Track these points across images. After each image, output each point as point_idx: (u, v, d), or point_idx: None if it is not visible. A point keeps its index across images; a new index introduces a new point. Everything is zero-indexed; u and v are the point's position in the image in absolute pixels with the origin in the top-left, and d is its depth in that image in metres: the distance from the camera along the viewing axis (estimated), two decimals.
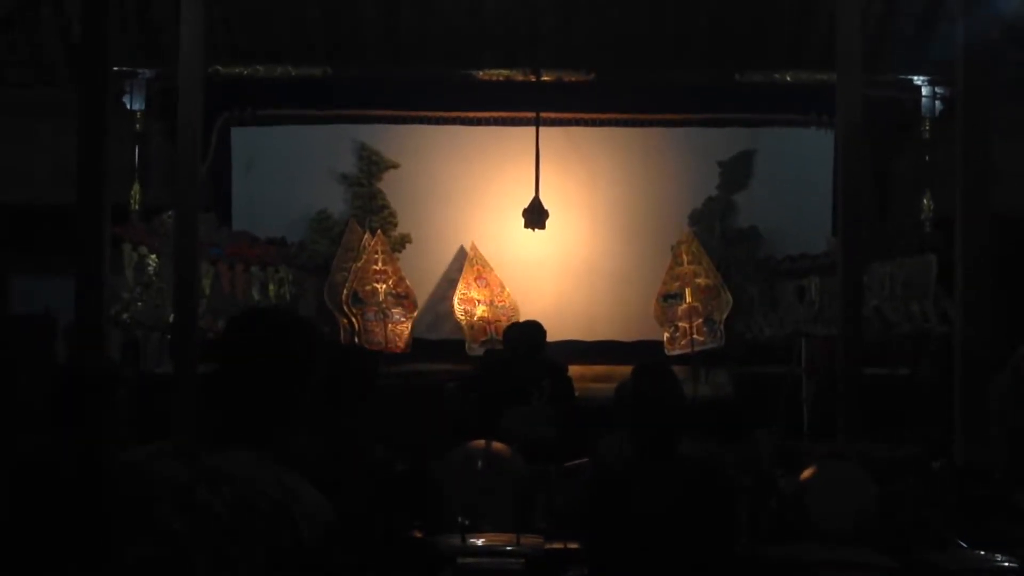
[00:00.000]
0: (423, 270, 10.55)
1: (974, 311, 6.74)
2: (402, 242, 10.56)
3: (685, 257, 10.27)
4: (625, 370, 4.11)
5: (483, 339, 10.19)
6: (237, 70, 10.21)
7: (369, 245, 10.29)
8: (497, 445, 5.73)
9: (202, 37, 8.00)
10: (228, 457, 2.30)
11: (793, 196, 10.50)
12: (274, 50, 10.35)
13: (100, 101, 6.76)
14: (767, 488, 5.16)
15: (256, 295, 9.81)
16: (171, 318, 8.57)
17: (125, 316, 9.02)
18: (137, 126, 10.06)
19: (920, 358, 9.37)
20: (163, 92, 9.90)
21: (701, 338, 10.17)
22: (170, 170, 9.07)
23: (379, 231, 10.37)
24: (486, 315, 10.27)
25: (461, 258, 10.49)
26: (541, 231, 9.71)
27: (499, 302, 10.30)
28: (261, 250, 10.03)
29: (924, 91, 10.24)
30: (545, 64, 10.20)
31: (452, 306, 10.36)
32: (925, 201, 10.12)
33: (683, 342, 10.18)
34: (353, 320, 10.17)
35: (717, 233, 10.54)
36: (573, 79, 10.37)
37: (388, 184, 10.61)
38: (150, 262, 9.28)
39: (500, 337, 8.44)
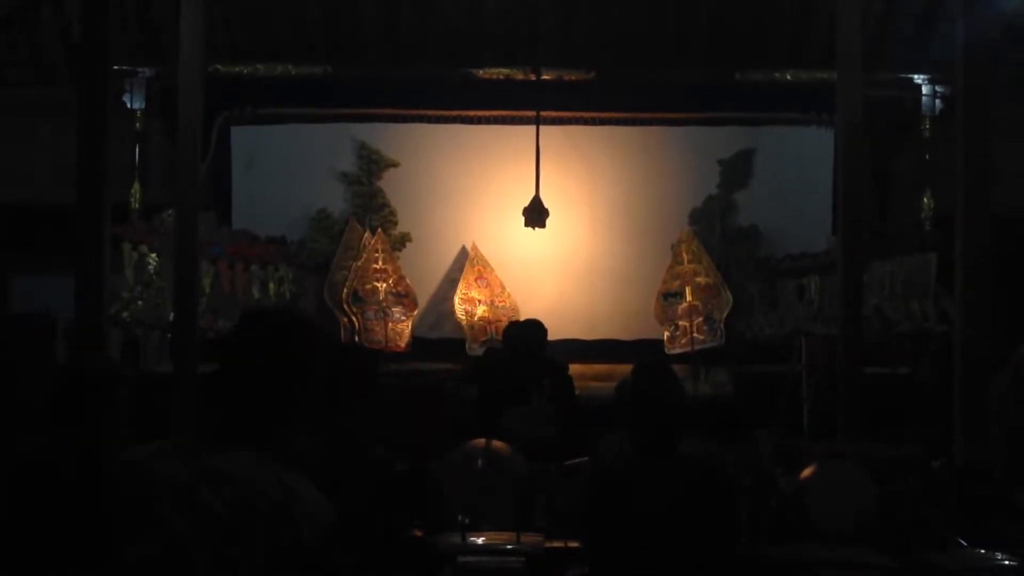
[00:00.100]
0: (423, 269, 10.54)
1: (974, 311, 6.74)
2: (402, 241, 10.55)
3: (685, 256, 10.27)
4: (625, 369, 4.11)
5: (484, 339, 10.19)
6: (237, 69, 10.20)
7: (369, 244, 10.29)
8: (497, 444, 5.74)
9: (202, 37, 8.00)
10: (228, 457, 2.30)
11: (793, 195, 10.49)
12: (274, 50, 10.35)
13: (100, 101, 6.77)
14: (767, 488, 5.17)
15: (256, 294, 9.82)
16: (171, 317, 8.57)
17: (125, 315, 9.02)
18: (137, 125, 10.05)
19: (920, 357, 9.37)
20: (163, 91, 9.89)
21: (701, 337, 10.17)
22: (170, 169, 9.07)
23: (379, 230, 10.37)
24: (486, 315, 10.27)
25: (462, 258, 10.48)
26: (541, 230, 9.71)
27: (500, 302, 10.30)
28: (261, 249, 10.03)
29: (924, 90, 10.23)
30: (545, 63, 10.19)
31: (453, 306, 10.36)
32: (925, 200, 10.12)
33: (683, 341, 10.18)
34: (353, 319, 10.17)
35: (717, 232, 10.53)
36: (573, 78, 10.36)
37: (388, 183, 10.60)
38: (150, 261, 9.28)
39: (500, 337, 8.44)
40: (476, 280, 10.33)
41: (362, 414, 4.30)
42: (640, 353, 9.39)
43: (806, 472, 5.17)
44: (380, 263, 10.24)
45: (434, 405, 8.19)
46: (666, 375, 4.07)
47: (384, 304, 10.19)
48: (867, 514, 4.99)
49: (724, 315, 10.20)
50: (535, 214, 9.59)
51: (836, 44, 7.88)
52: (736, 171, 10.63)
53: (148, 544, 2.23)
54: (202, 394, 7.46)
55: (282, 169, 10.49)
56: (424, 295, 10.48)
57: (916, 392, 8.76)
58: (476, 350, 10.07)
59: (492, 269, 10.35)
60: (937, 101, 10.16)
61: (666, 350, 10.13)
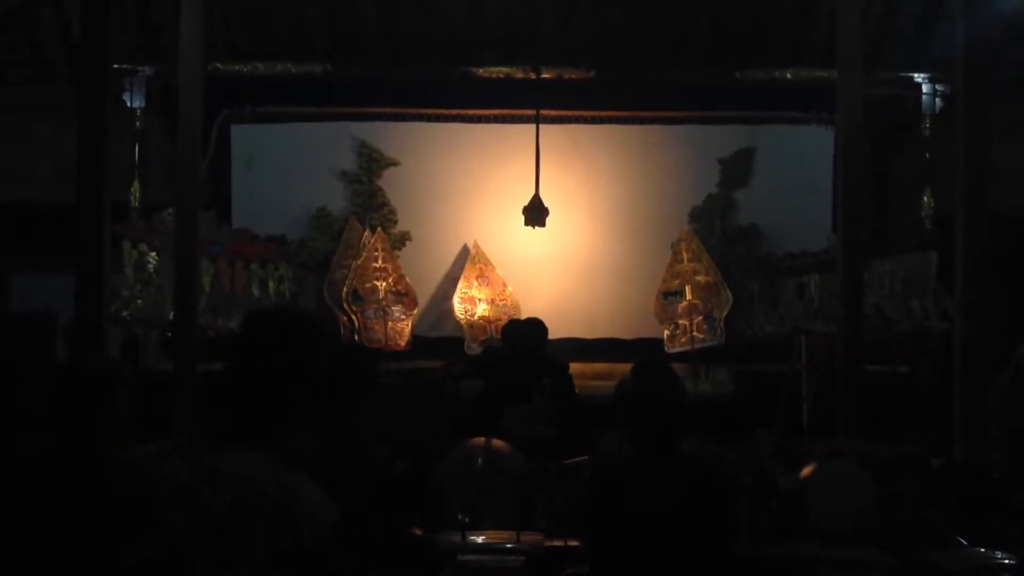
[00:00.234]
0: (423, 268, 10.54)
1: (974, 310, 6.75)
2: (402, 240, 10.55)
3: (685, 254, 10.27)
4: (625, 368, 4.11)
5: (483, 338, 10.19)
6: (237, 68, 10.20)
7: (369, 243, 10.29)
8: (497, 443, 5.73)
9: (202, 35, 8.00)
10: (230, 457, 2.30)
11: (793, 194, 10.49)
12: (274, 49, 10.35)
13: (100, 101, 6.77)
14: (767, 487, 5.17)
15: (256, 292, 9.81)
16: (171, 315, 8.57)
17: (125, 314, 9.01)
18: (137, 124, 10.05)
19: (920, 356, 9.37)
20: (163, 90, 9.89)
21: (701, 336, 10.17)
22: (170, 168, 9.07)
23: (379, 228, 10.37)
24: (487, 314, 10.26)
25: (464, 256, 10.49)
26: (541, 229, 9.70)
27: (501, 300, 10.30)
28: (261, 247, 10.03)
29: (924, 89, 10.23)
30: (545, 62, 10.19)
31: (452, 305, 10.36)
32: (925, 199, 10.12)
33: (683, 340, 10.18)
34: (353, 318, 10.17)
35: (717, 230, 10.54)
36: (573, 77, 10.36)
37: (388, 181, 10.60)
38: (150, 260, 9.28)
39: (499, 336, 8.44)
40: (477, 278, 10.33)
41: (362, 414, 4.30)
42: (640, 352, 9.41)
43: (806, 471, 5.16)
44: (380, 262, 10.24)
45: (434, 404, 8.20)
46: (666, 374, 4.07)
47: (384, 303, 10.19)
48: (867, 513, 4.99)
49: (724, 314, 10.20)
50: (535, 213, 9.59)
51: (836, 43, 7.87)
52: (736, 170, 10.64)
53: (148, 544, 2.23)
54: (204, 393, 7.47)
55: (282, 168, 10.50)
56: (424, 294, 10.48)
57: (916, 391, 8.76)
58: (475, 349, 10.08)
59: (494, 267, 10.35)
60: (937, 100, 10.16)
61: (666, 349, 10.14)
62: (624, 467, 4.08)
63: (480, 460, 5.58)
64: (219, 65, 9.79)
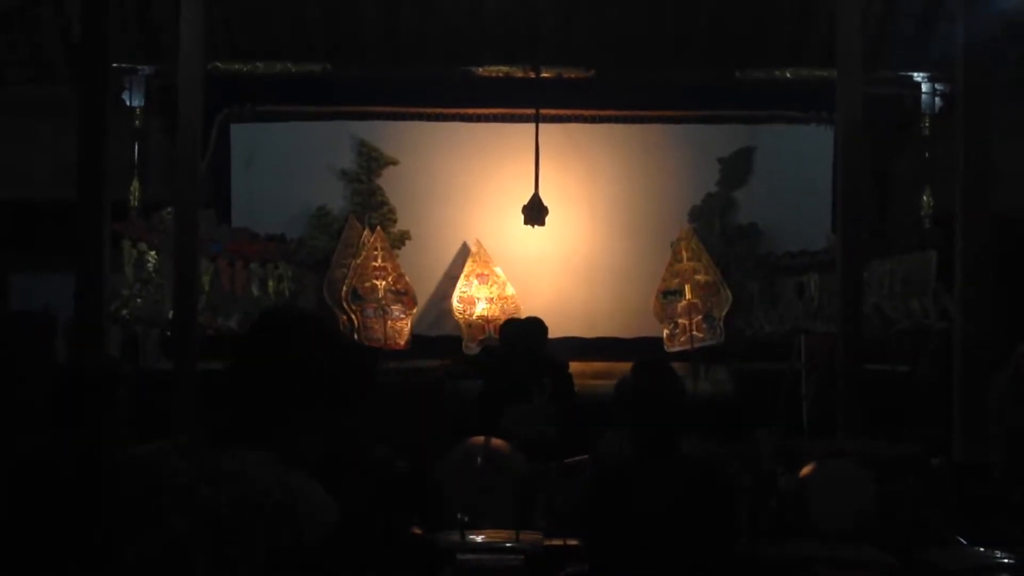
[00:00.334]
0: (422, 267, 10.55)
1: (974, 309, 6.75)
2: (401, 239, 10.56)
3: (685, 254, 10.27)
4: (625, 367, 4.11)
5: (481, 337, 10.19)
6: (237, 67, 10.20)
7: (368, 241, 10.29)
8: (496, 442, 5.73)
9: (202, 36, 8.01)
10: (232, 456, 2.30)
11: (793, 193, 10.50)
12: (274, 48, 10.34)
13: (100, 100, 6.77)
14: (767, 486, 5.17)
15: (255, 291, 9.82)
16: (170, 314, 8.57)
17: (125, 313, 9.02)
18: (137, 123, 10.05)
19: (920, 355, 9.37)
20: (163, 89, 9.89)
21: (701, 335, 10.17)
22: (170, 167, 9.07)
23: (378, 227, 10.37)
24: (486, 313, 10.26)
25: (464, 254, 10.49)
26: (541, 228, 9.69)
27: (501, 300, 10.30)
28: (261, 246, 10.03)
29: (924, 88, 10.23)
30: (545, 62, 10.19)
31: (451, 304, 10.36)
32: (925, 198, 10.11)
33: (683, 339, 10.18)
34: (352, 317, 10.17)
35: (717, 230, 10.54)
36: (573, 76, 10.36)
37: (387, 180, 10.61)
38: (150, 259, 9.28)
39: (497, 335, 8.43)
40: (477, 277, 10.33)
41: (362, 414, 4.30)
42: (640, 351, 9.40)
43: (806, 471, 5.17)
44: (379, 261, 10.25)
45: (434, 404, 8.19)
46: (666, 373, 4.07)
47: (383, 302, 10.19)
48: (867, 513, 4.99)
49: (724, 313, 10.20)
50: (534, 212, 9.58)
51: (836, 42, 7.88)
52: (736, 169, 10.64)
53: (148, 544, 2.23)
54: (204, 392, 7.47)
55: (281, 167, 10.50)
56: (423, 293, 10.48)
57: (916, 390, 8.77)
58: (473, 348, 10.08)
59: (495, 266, 10.34)
60: (937, 99, 10.16)
61: (666, 348, 10.14)
62: (624, 466, 4.08)
63: (480, 459, 5.58)
64: (219, 64, 9.79)
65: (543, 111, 9.90)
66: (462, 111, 10.62)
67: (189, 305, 7.94)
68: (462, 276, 10.36)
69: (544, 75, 10.23)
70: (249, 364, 2.38)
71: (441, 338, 10.40)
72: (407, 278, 10.30)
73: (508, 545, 4.85)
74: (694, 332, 10.14)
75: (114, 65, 7.48)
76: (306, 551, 2.24)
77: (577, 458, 5.74)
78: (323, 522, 2.28)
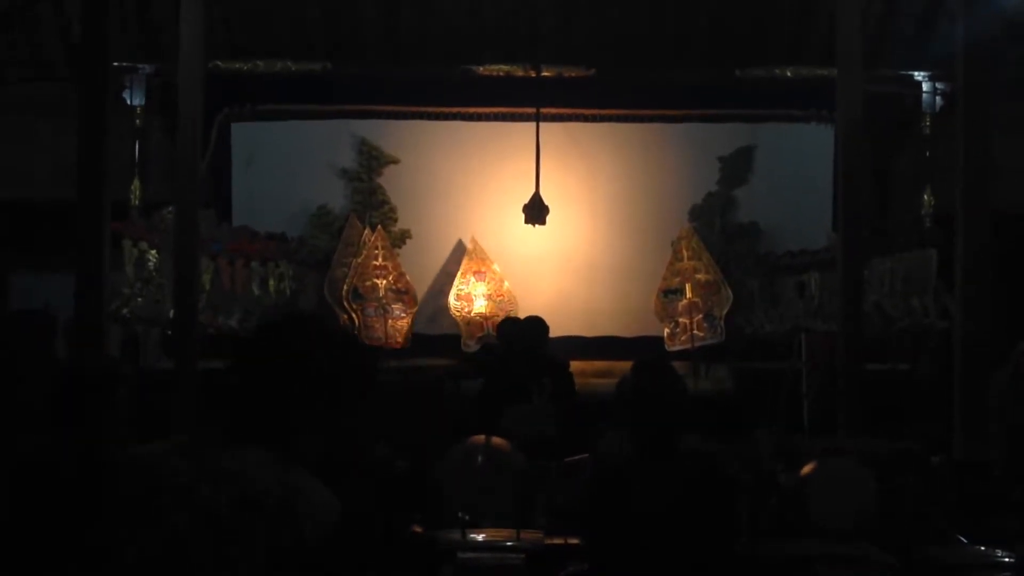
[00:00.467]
0: (423, 266, 10.55)
1: (974, 307, 6.75)
2: (402, 238, 10.55)
3: (685, 253, 10.26)
4: (625, 366, 4.10)
5: (479, 335, 10.18)
6: (237, 66, 10.19)
7: (369, 241, 10.29)
8: (497, 441, 5.73)
9: (202, 35, 8.01)
10: (235, 455, 2.30)
11: (793, 192, 10.50)
12: (274, 47, 10.34)
13: (100, 99, 6.77)
14: (767, 485, 5.17)
15: (256, 290, 9.83)
16: (171, 314, 8.57)
17: (125, 312, 9.03)
18: (137, 122, 10.04)
19: (920, 354, 9.38)
20: (163, 88, 9.89)
21: (701, 334, 10.17)
22: (170, 166, 9.07)
23: (379, 227, 10.37)
24: (484, 310, 10.25)
25: (460, 251, 10.48)
26: (541, 227, 9.70)
27: (498, 296, 10.29)
28: (261, 245, 10.03)
29: (925, 87, 10.22)
30: (545, 60, 10.18)
31: (448, 301, 10.35)
32: (925, 197, 10.11)
33: (683, 338, 10.17)
34: (353, 316, 10.17)
35: (717, 229, 10.53)
36: (573, 75, 10.35)
37: (388, 179, 10.60)
38: (150, 258, 9.29)
39: (495, 333, 8.43)
40: (474, 274, 10.32)
41: (362, 413, 4.30)
42: (640, 350, 9.40)
43: (806, 469, 5.17)
44: (380, 260, 10.24)
45: (434, 402, 8.19)
46: (666, 372, 4.07)
47: (384, 301, 10.19)
48: (867, 511, 4.99)
49: (724, 312, 10.20)
50: (535, 211, 9.59)
51: (836, 41, 7.87)
52: (736, 168, 10.63)
53: (149, 543, 2.23)
54: (209, 391, 7.46)
55: (282, 166, 10.50)
56: (423, 292, 10.48)
57: (916, 388, 8.77)
58: (471, 346, 10.07)
59: (491, 263, 10.33)
60: (937, 98, 10.15)
61: (666, 347, 10.13)
62: (624, 465, 4.08)
63: (480, 458, 5.58)
64: (219, 63, 9.78)
65: (544, 110, 9.91)
66: (463, 110, 10.62)
67: (190, 304, 7.95)
68: (459, 274, 10.34)
69: (545, 74, 10.22)
70: (250, 364, 2.39)
71: (440, 337, 10.39)
72: (408, 277, 10.29)
73: (509, 544, 4.85)
74: (695, 331, 10.14)
75: (114, 64, 7.49)
76: (307, 550, 2.24)
77: (577, 457, 5.74)
78: (324, 521, 2.28)
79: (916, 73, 10.20)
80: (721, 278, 10.24)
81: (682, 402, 4.04)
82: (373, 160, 10.57)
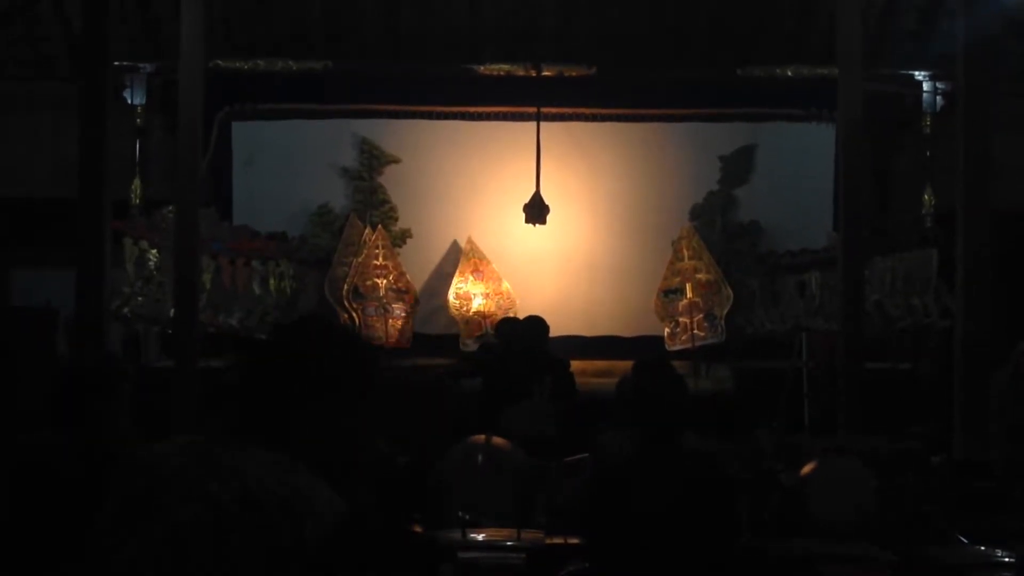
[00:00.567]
0: (424, 265, 10.55)
1: (975, 306, 6.76)
2: (403, 237, 10.55)
3: (686, 252, 10.26)
4: (626, 365, 4.11)
5: (478, 333, 10.17)
6: (237, 65, 10.20)
7: (370, 240, 10.29)
8: (497, 440, 5.73)
9: (202, 34, 8.02)
10: (239, 453, 2.30)
11: (794, 191, 10.49)
12: (274, 47, 10.34)
13: (101, 97, 6.79)
14: (768, 484, 5.17)
15: (256, 289, 9.83)
16: (171, 312, 8.58)
17: (126, 310, 9.04)
18: (138, 120, 10.05)
19: (920, 353, 9.39)
20: (164, 86, 9.90)
21: (702, 333, 10.17)
22: (171, 165, 9.08)
23: (380, 226, 10.37)
24: (483, 309, 10.24)
25: (456, 252, 10.48)
26: (542, 226, 9.71)
27: (497, 295, 10.28)
28: (262, 244, 10.04)
29: (925, 86, 10.23)
30: (546, 60, 10.18)
31: (447, 300, 10.35)
32: (926, 196, 10.11)
33: (684, 337, 10.18)
34: (354, 315, 10.17)
35: (718, 228, 10.53)
36: (574, 74, 10.35)
37: (389, 179, 10.60)
38: (151, 256, 9.30)
39: (494, 332, 8.43)
40: (472, 273, 10.32)
41: (363, 412, 4.30)
42: (641, 349, 9.41)
43: (807, 468, 5.17)
44: (380, 259, 10.24)
45: (434, 402, 8.20)
46: (667, 372, 4.07)
47: (384, 300, 10.19)
48: (867, 510, 4.99)
49: (725, 311, 10.20)
50: (536, 210, 9.60)
51: (837, 40, 7.88)
52: (737, 167, 10.63)
53: (151, 541, 2.23)
54: (213, 389, 7.46)
55: (283, 165, 10.50)
56: (424, 291, 10.48)
57: (916, 388, 8.78)
58: (470, 345, 10.06)
59: (489, 262, 10.33)
60: (938, 97, 10.15)
61: (667, 346, 10.13)
62: (625, 465, 4.08)
63: (480, 458, 5.58)
64: (220, 62, 9.79)
65: (544, 109, 9.92)
66: (463, 109, 10.62)
67: (190, 303, 7.95)
68: (457, 273, 10.34)
69: (545, 73, 10.23)
70: (251, 363, 2.39)
71: (440, 336, 10.39)
72: (408, 276, 10.29)
73: (509, 543, 4.85)
74: (695, 330, 10.14)
75: (115, 63, 7.51)
76: (308, 550, 2.24)
77: (578, 456, 5.74)
78: (326, 520, 2.28)
79: (916, 72, 10.20)
80: (722, 277, 10.24)
81: (682, 402, 4.04)
82: (374, 159, 10.57)
